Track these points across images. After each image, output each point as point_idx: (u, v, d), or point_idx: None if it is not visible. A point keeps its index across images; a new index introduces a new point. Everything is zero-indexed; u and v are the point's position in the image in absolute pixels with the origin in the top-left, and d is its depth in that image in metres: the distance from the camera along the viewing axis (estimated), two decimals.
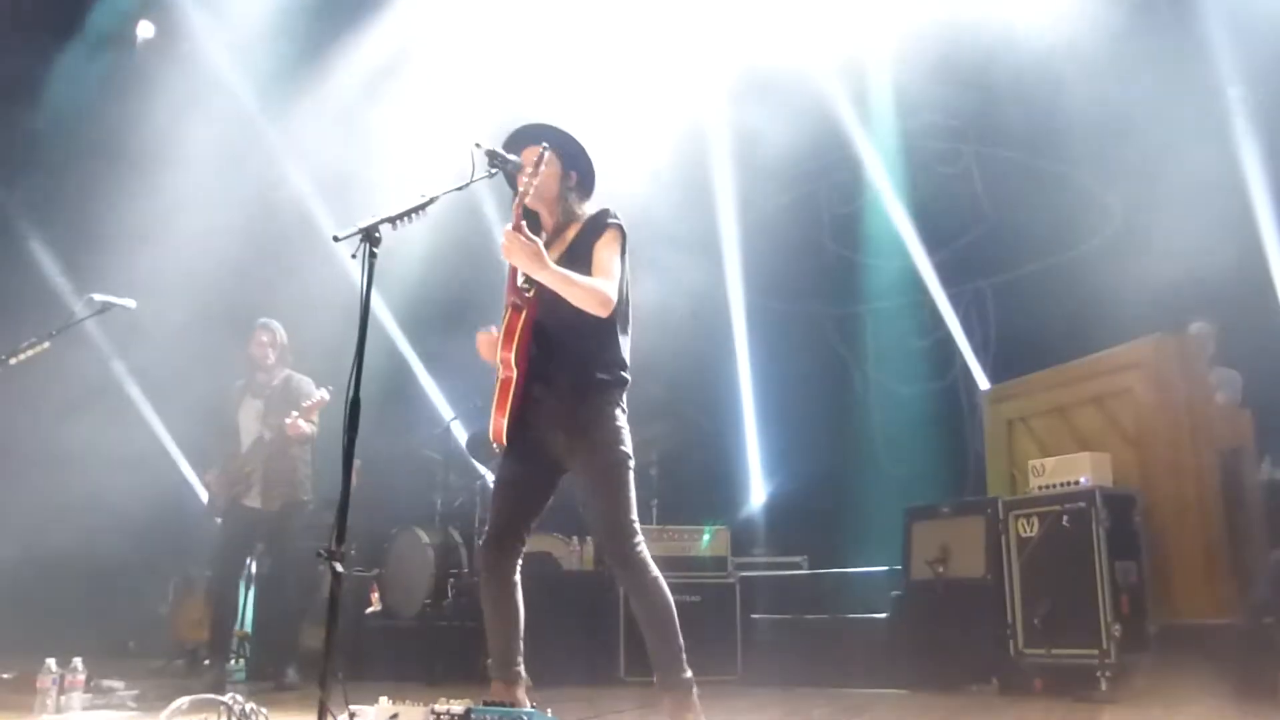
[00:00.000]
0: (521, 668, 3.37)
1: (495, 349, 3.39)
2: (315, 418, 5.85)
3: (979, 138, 8.25)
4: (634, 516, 3.33)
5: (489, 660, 3.38)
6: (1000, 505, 5.29)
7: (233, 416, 6.07)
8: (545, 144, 3.36)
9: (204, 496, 6.52)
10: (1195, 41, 6.67)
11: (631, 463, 3.36)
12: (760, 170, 8.32)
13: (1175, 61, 6.56)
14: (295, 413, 5.67)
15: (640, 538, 3.32)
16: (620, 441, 3.35)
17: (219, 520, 5.97)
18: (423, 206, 3.09)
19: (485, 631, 3.40)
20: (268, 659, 6.24)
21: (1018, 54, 6.91)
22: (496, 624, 3.38)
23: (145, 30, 9.39)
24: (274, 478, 5.86)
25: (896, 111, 8.44)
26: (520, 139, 3.52)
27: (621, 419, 3.40)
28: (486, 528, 3.46)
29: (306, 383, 5.96)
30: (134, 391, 8.74)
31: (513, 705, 3.18)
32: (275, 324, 6.13)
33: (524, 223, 3.26)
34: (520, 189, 3.31)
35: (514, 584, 3.38)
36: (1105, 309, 6.73)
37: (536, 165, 3.30)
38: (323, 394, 5.69)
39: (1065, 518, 4.93)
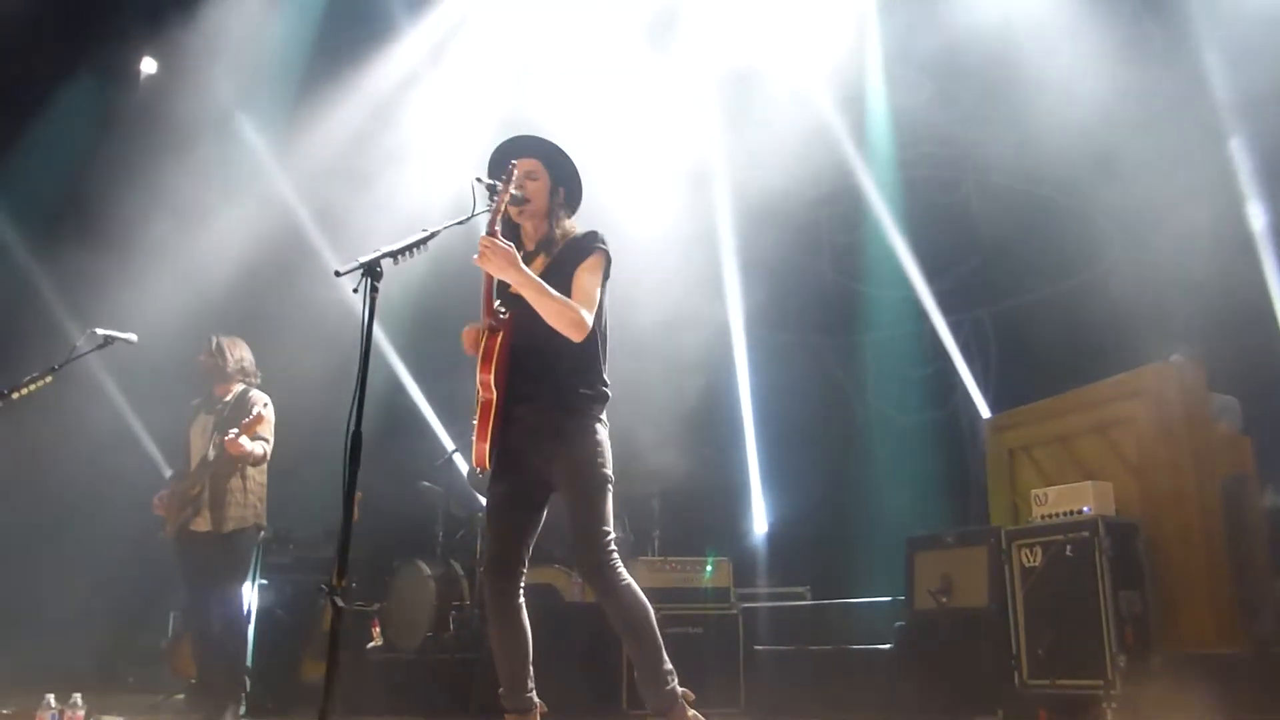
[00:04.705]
0: (534, 694, 3.34)
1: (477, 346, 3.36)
2: (266, 434, 5.39)
3: (978, 167, 8.29)
4: (609, 528, 3.32)
5: (501, 691, 3.35)
6: (1003, 535, 5.25)
7: (185, 435, 5.61)
8: (513, 163, 3.38)
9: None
10: (1191, 71, 6.72)
11: (611, 475, 3.37)
12: (761, 200, 8.36)
13: (1171, 91, 6.62)
14: (234, 430, 5.17)
15: (614, 550, 3.31)
16: (601, 455, 3.36)
17: (174, 547, 5.42)
18: (424, 241, 3.11)
19: (494, 661, 3.37)
20: (267, 694, 6.18)
21: (1017, 84, 6.96)
22: (505, 651, 3.35)
23: (148, 66, 9.48)
24: (222, 499, 5.31)
25: (895, 141, 8.49)
26: (510, 152, 3.52)
27: (603, 433, 3.42)
28: (485, 555, 3.45)
29: (257, 398, 5.50)
30: (134, 424, 8.72)
31: None
32: (224, 339, 5.63)
33: (498, 229, 3.26)
34: (498, 195, 3.30)
35: (518, 607, 3.36)
36: (1106, 337, 6.75)
37: (508, 180, 3.30)
38: (259, 410, 5.28)
39: (1068, 547, 4.90)
